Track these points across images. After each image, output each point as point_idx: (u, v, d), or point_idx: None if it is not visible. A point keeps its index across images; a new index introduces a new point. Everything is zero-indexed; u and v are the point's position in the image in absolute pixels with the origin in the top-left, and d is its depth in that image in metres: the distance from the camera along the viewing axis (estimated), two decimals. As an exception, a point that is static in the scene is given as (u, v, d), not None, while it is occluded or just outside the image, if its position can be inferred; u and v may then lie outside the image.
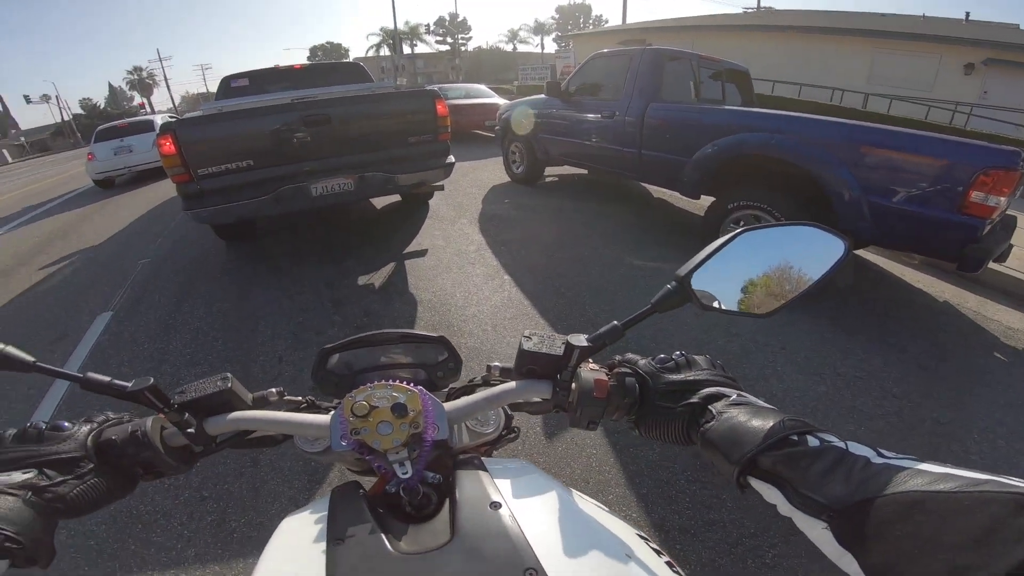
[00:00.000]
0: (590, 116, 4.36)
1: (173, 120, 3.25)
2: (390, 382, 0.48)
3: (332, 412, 0.48)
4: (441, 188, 4.02)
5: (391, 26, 29.05)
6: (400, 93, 3.79)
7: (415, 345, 0.61)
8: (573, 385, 0.49)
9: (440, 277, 3.42)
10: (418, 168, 3.62)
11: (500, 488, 0.43)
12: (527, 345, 0.51)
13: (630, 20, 29.73)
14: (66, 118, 50.87)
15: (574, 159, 4.93)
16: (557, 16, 55.51)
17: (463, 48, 52.70)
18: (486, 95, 10.57)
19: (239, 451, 0.55)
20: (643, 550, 0.42)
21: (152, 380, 0.45)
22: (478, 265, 3.60)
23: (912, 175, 2.45)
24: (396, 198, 5.19)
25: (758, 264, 0.51)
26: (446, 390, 0.59)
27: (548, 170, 5.88)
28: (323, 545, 0.39)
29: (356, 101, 3.54)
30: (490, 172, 6.63)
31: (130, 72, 57.74)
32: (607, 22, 51.02)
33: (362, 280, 3.47)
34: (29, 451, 0.42)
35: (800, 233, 0.52)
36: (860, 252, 3.72)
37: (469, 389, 0.58)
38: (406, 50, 45.72)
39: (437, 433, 0.46)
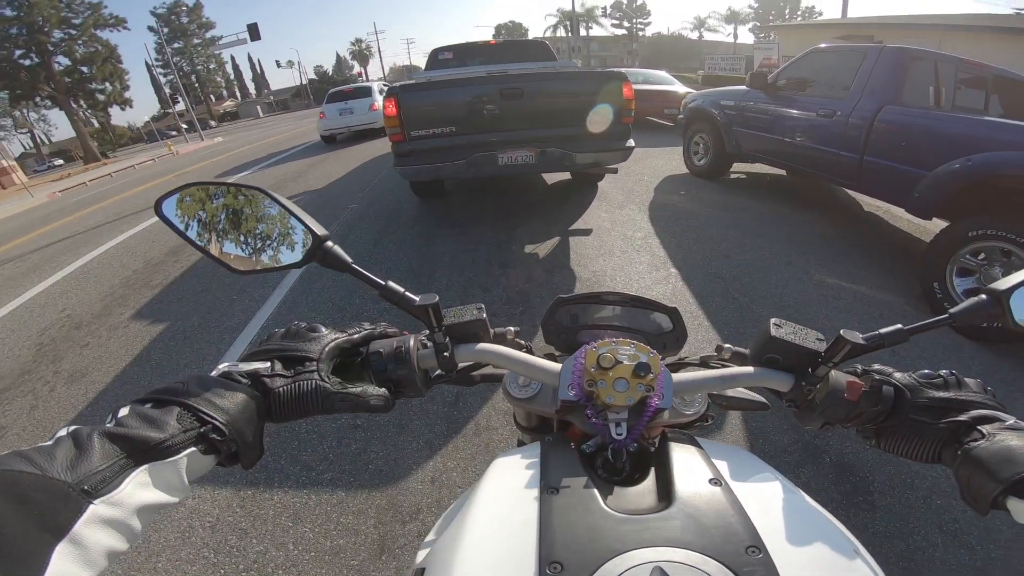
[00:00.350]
0: (801, 113, 3.85)
1: (397, 85, 3.72)
2: (632, 340, 0.48)
3: (566, 359, 0.49)
4: (615, 171, 3.98)
5: (568, 7, 29.11)
6: (591, 73, 3.81)
7: (643, 311, 0.60)
8: (821, 383, 0.46)
9: (602, 259, 3.43)
10: (596, 148, 3.63)
11: (718, 466, 0.42)
12: (777, 332, 0.48)
13: (851, 14, 25.65)
14: (303, 82, 62.07)
15: (773, 157, 4.41)
16: (756, 4, 50.06)
17: (641, 33, 50.67)
18: (667, 82, 10.03)
19: (462, 386, 0.56)
20: (867, 554, 0.39)
21: (437, 298, 0.48)
22: (643, 253, 3.51)
23: None
24: (567, 176, 5.33)
25: None
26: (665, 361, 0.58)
27: (736, 167, 5.37)
28: (535, 492, 0.40)
29: (548, 78, 3.68)
30: (665, 161, 6.33)
31: (352, 44, 67.83)
32: (820, 15, 44.51)
33: (528, 249, 3.65)
34: (279, 345, 0.45)
35: None
36: None
37: (686, 365, 0.57)
38: (581, 32, 45.60)
39: (662, 401, 0.45)
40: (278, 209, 0.50)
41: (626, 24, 51.09)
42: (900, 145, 3.03)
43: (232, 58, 63.48)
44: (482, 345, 0.52)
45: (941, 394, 0.43)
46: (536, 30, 60.01)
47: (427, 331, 0.51)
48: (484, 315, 0.52)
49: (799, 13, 48.12)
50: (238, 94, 65.75)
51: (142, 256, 4.76)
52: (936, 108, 3.28)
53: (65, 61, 27.88)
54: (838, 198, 4.80)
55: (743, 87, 4.58)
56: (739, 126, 4.61)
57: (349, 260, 0.49)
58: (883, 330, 0.45)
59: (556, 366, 0.49)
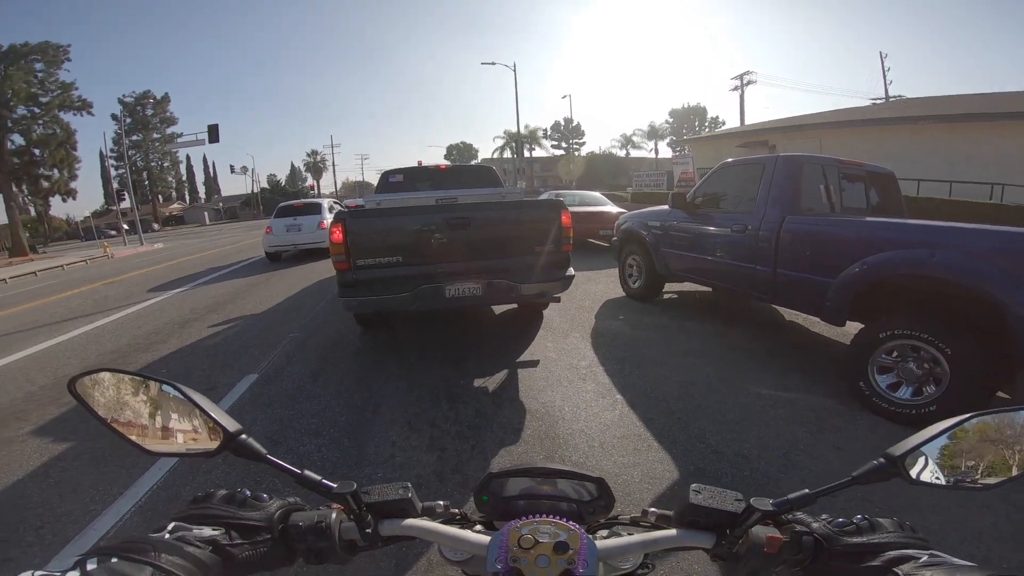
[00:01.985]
0: (718, 229, 4.20)
1: (345, 211, 3.72)
2: (553, 518, 0.52)
3: (493, 534, 0.51)
4: (558, 300, 4.09)
5: (514, 129, 32.51)
6: (531, 202, 4.05)
7: (571, 481, 0.63)
8: (741, 539, 0.50)
9: (550, 389, 3.37)
10: (540, 278, 3.75)
11: None
12: (697, 499, 0.52)
13: (748, 121, 29.95)
14: (255, 191, 61.90)
15: (698, 276, 4.70)
16: (671, 120, 57.40)
17: (576, 152, 56.44)
18: (601, 203, 10.83)
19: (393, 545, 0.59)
20: None
21: (355, 485, 0.52)
22: (589, 381, 3.49)
23: None
24: (513, 305, 5.39)
25: (988, 447, 0.50)
26: (589, 524, 0.60)
27: (669, 287, 5.71)
28: None
29: (492, 207, 3.87)
30: (604, 285, 6.61)
31: (308, 155, 69.80)
32: (723, 124, 51.59)
33: (477, 383, 3.55)
34: (228, 511, 0.49)
35: None
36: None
37: (613, 525, 0.60)
38: (525, 154, 50.38)
39: (586, 570, 0.47)
40: (191, 403, 0.53)
41: (563, 144, 57.07)
42: (805, 254, 3.31)
43: (188, 158, 63.14)
44: (408, 521, 0.55)
45: (856, 540, 0.47)
46: (486, 151, 65.65)
47: None
48: (410, 494, 0.55)
49: (707, 124, 55.53)
50: (187, 197, 64.44)
51: (52, 372, 4.37)
52: (830, 213, 3.66)
53: (19, 140, 25.90)
54: (760, 311, 5.23)
55: (667, 207, 5.00)
56: (666, 246, 4.95)
57: (263, 452, 0.53)
58: (791, 495, 0.49)
59: (484, 539, 0.52)
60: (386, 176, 6.02)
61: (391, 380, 3.66)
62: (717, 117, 57.20)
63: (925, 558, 0.43)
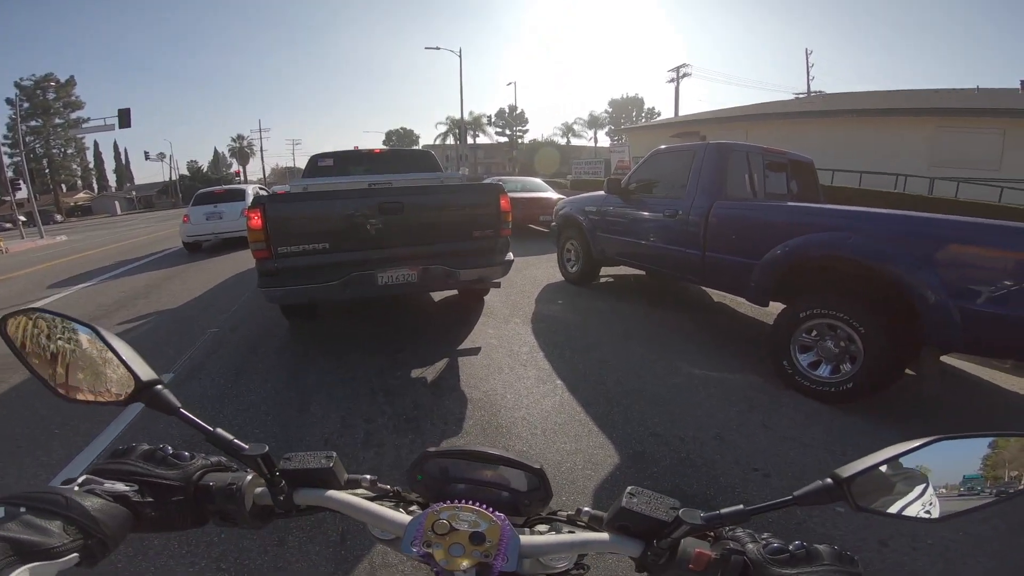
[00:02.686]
0: (651, 215, 4.33)
1: (265, 195, 3.49)
2: (477, 505, 0.50)
3: (413, 516, 0.50)
4: (498, 285, 4.04)
5: (457, 115, 31.90)
6: (468, 186, 3.94)
7: (511, 469, 0.60)
8: (668, 551, 0.48)
9: (492, 377, 3.33)
10: (479, 264, 3.68)
11: None
12: (630, 504, 0.50)
13: (682, 112, 31.21)
14: (173, 178, 56.14)
15: (633, 260, 4.83)
16: (610, 110, 58.58)
17: (520, 140, 56.40)
18: (542, 189, 10.98)
19: (313, 516, 0.57)
20: None
21: (267, 448, 0.51)
22: (530, 367, 3.48)
23: (1010, 273, 2.20)
24: (453, 292, 5.26)
25: (945, 473, 0.46)
26: (527, 517, 0.59)
27: (605, 270, 5.82)
28: None
29: (427, 191, 3.72)
30: (544, 270, 6.64)
31: (234, 140, 63.86)
32: (659, 115, 53.39)
33: (415, 373, 3.44)
34: (144, 468, 0.49)
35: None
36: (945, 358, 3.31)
37: (551, 521, 0.58)
38: (469, 140, 49.62)
39: (506, 564, 0.46)
40: (109, 348, 0.53)
41: (507, 132, 56.77)
42: (732, 238, 3.46)
43: (96, 144, 56.87)
44: (327, 492, 0.53)
45: (786, 571, 0.43)
46: (427, 137, 63.84)
47: None
48: (331, 464, 0.54)
49: (644, 114, 57.21)
50: (95, 185, 58.10)
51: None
52: (753, 198, 3.84)
53: None
54: (690, 293, 5.48)
55: (602, 192, 5.08)
56: (602, 231, 5.04)
57: (177, 405, 0.53)
58: (724, 510, 0.46)
59: (403, 520, 0.50)
60: (314, 160, 5.64)
61: (322, 375, 3.46)
62: (653, 108, 59.01)
63: None
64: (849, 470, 0.44)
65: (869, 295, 2.72)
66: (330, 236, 3.45)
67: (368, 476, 0.57)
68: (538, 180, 12.04)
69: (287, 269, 3.41)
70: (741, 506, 0.46)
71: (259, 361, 3.80)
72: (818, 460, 2.32)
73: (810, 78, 33.86)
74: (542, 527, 0.56)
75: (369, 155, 5.75)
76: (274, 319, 4.70)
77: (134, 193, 58.96)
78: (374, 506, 0.53)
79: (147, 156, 55.94)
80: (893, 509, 0.45)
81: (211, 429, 0.51)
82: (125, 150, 64.08)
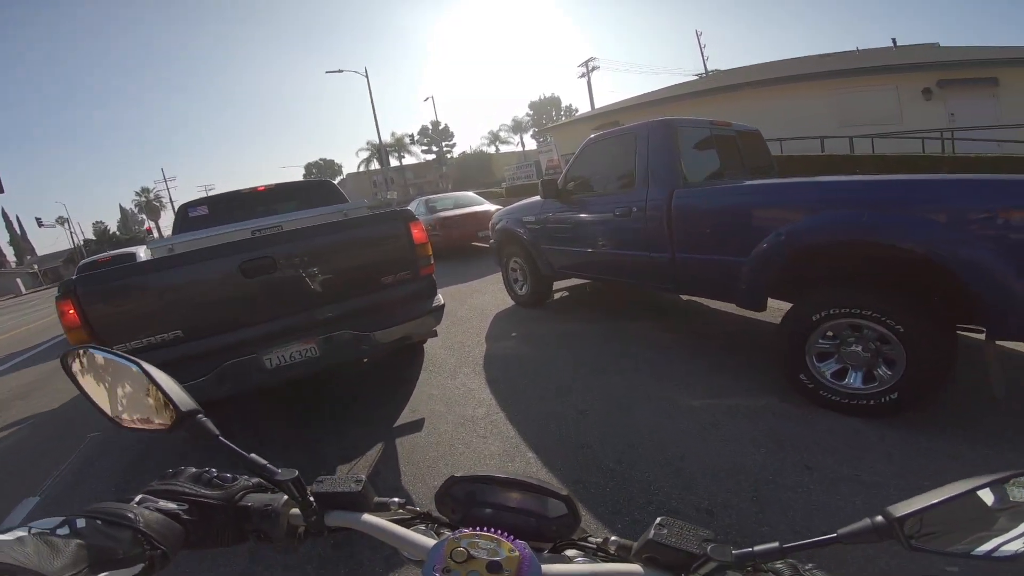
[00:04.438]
0: (598, 216, 3.64)
1: (74, 276, 2.58)
2: (499, 534, 0.49)
3: (436, 541, 0.49)
4: (434, 334, 3.20)
5: (379, 140, 30.57)
6: (360, 219, 2.98)
7: (537, 495, 0.56)
8: None
9: (442, 460, 2.51)
10: (399, 318, 2.84)
11: None
12: (659, 536, 0.47)
13: (597, 105, 31.63)
14: (78, 243, 50.34)
15: (588, 272, 4.11)
16: (531, 112, 59.18)
17: (448, 155, 55.59)
18: (476, 202, 10.19)
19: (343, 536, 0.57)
20: None
21: (296, 473, 0.54)
22: (491, 439, 2.67)
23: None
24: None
25: (989, 508, 0.41)
26: (554, 543, 0.56)
27: (557, 283, 5.06)
28: None
29: (306, 235, 2.78)
30: (491, 295, 5.82)
31: (138, 194, 58.37)
32: (577, 111, 54.15)
33: (342, 471, 2.55)
34: (192, 489, 0.54)
35: None
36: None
37: (577, 546, 0.56)
38: (395, 162, 48.10)
39: None
40: (152, 381, 0.57)
41: (434, 148, 55.76)
42: (706, 233, 2.81)
43: None
44: (356, 515, 0.55)
45: None
46: (350, 166, 61.55)
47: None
48: (361, 487, 0.55)
49: (563, 112, 57.97)
50: None
51: None
52: (717, 181, 3.24)
53: None
54: (660, 297, 4.80)
55: (538, 198, 4.37)
56: (546, 243, 4.31)
57: (216, 432, 0.56)
58: (757, 548, 0.44)
59: (428, 543, 0.50)
60: (184, 211, 4.53)
61: None
62: (571, 105, 59.91)
63: None
64: (902, 509, 0.41)
65: (904, 284, 2.15)
66: (185, 317, 2.56)
67: (397, 499, 0.59)
68: (471, 194, 11.25)
69: None
70: (776, 544, 0.44)
71: (147, 473, 2.90)
72: (894, 501, 1.69)
73: (705, 58, 35.42)
74: (570, 552, 0.55)
75: (253, 195, 4.66)
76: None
77: (36, 267, 52.33)
78: (399, 529, 0.53)
79: (40, 223, 50.04)
80: (953, 549, 0.42)
81: (246, 455, 0.55)
82: (17, 218, 57.09)
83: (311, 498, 0.54)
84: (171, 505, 0.50)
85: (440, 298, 3.03)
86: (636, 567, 0.48)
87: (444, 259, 8.93)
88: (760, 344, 3.36)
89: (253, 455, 0.55)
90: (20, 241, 57.79)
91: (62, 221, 50.75)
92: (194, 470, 0.56)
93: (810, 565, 0.45)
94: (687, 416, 2.55)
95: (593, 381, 3.14)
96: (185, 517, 0.50)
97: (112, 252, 9.95)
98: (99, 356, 0.60)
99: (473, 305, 5.49)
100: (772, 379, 2.74)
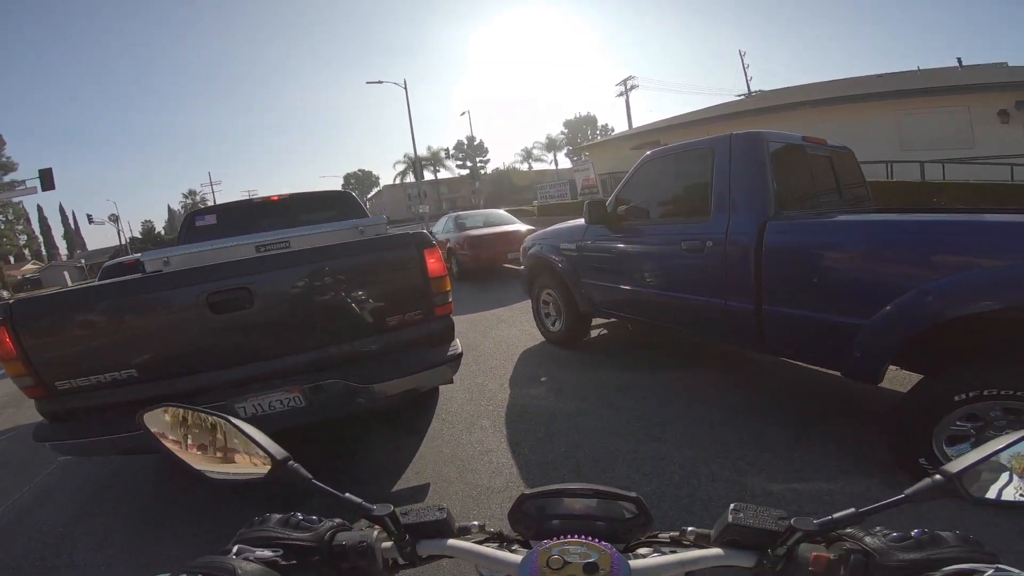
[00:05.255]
0: (660, 248, 2.96)
1: (10, 300, 2.14)
2: (584, 538, 0.50)
3: (526, 554, 0.50)
4: (450, 382, 2.61)
5: (414, 152, 30.70)
6: (362, 244, 2.44)
7: (606, 500, 0.59)
8: (784, 558, 0.47)
9: (446, 568, 1.89)
10: (406, 368, 2.26)
11: None
12: (737, 518, 0.50)
13: (635, 124, 30.96)
14: (123, 242, 52.22)
15: (635, 313, 3.40)
16: (566, 130, 58.92)
17: (482, 171, 55.68)
18: (508, 221, 9.59)
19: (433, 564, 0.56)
20: None
21: (392, 508, 0.54)
22: (507, 521, 2.03)
23: None
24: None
25: None
26: (627, 544, 0.57)
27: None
28: None
29: (292, 262, 2.25)
30: (518, 327, 5.14)
31: (185, 196, 60.33)
32: (613, 130, 53.51)
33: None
34: (284, 534, 0.53)
35: None
36: None
37: (652, 544, 0.57)
38: (430, 175, 48.44)
39: None
40: (241, 432, 0.57)
41: (468, 164, 56.08)
42: (810, 282, 2.12)
43: (40, 209, 52.96)
44: (448, 541, 0.55)
45: (912, 556, 0.43)
46: (387, 178, 62.62)
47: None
48: (445, 515, 0.56)
49: (598, 131, 57.42)
50: (44, 254, 53.31)
51: None
52: (826, 213, 2.56)
53: None
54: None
55: (581, 222, 3.74)
56: (587, 276, 3.63)
57: (309, 476, 0.56)
58: (837, 515, 0.46)
59: (516, 559, 0.51)
60: (191, 219, 4.11)
61: (182, 544, 2.20)
62: (607, 124, 59.31)
63: (991, 572, 0.39)
64: (958, 465, 0.44)
65: None
66: (141, 354, 2.10)
67: (476, 523, 0.59)
68: (502, 212, 10.75)
69: (81, 410, 2.10)
70: (853, 509, 0.46)
71: (99, 515, 2.49)
72: None
73: (748, 78, 34.27)
74: (643, 550, 0.56)
75: (265, 205, 4.22)
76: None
77: (83, 261, 54.80)
78: (488, 550, 0.54)
79: (91, 220, 52.37)
80: (1010, 498, 0.45)
81: (341, 495, 0.54)
82: (73, 213, 60.11)
83: (404, 530, 0.54)
84: (266, 553, 0.50)
85: (458, 345, 2.44)
86: (718, 551, 0.49)
87: (470, 280, 8.42)
88: (852, 408, 2.65)
89: (348, 494, 0.55)
90: (73, 236, 60.79)
91: (114, 219, 53.17)
92: (280, 515, 0.56)
93: (878, 528, 0.47)
94: (761, 501, 1.87)
95: (642, 450, 2.48)
96: (283, 563, 0.50)
97: (136, 255, 9.87)
98: (181, 412, 0.61)
99: (498, 338, 4.85)
100: (872, 457, 2.15)
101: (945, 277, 1.68)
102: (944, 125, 13.21)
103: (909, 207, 2.64)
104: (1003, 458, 0.44)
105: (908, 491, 0.44)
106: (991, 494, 0.45)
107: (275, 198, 4.31)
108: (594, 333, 4.50)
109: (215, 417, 0.59)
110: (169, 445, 0.60)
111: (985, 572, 0.39)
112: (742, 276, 2.36)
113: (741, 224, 2.40)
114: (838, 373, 2.14)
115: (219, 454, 0.59)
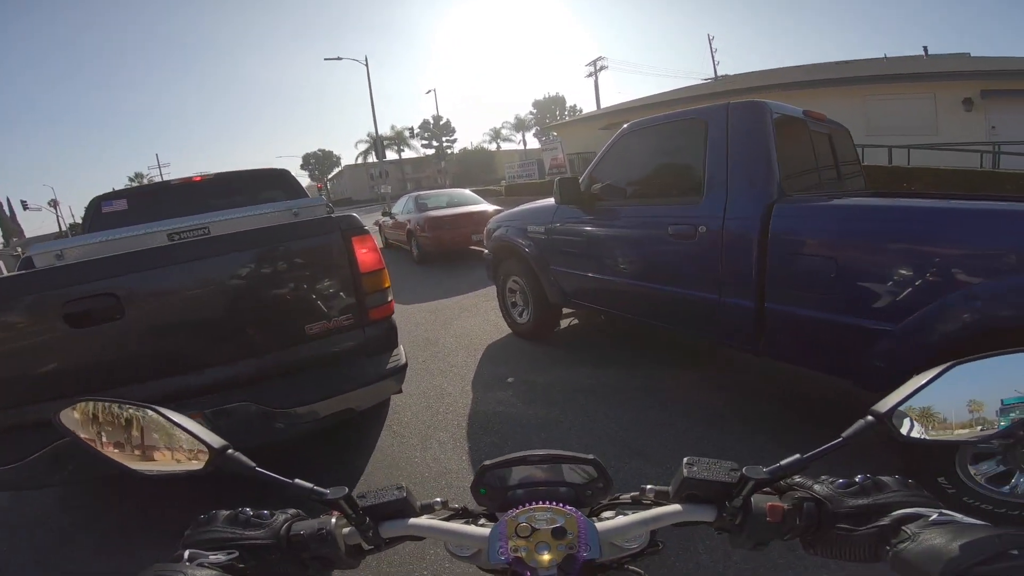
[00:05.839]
0: (640, 233, 2.60)
1: None
2: (549, 503, 0.50)
3: (492, 526, 0.50)
4: (398, 392, 2.18)
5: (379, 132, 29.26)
6: (274, 230, 1.92)
7: (566, 464, 0.58)
8: (741, 510, 0.48)
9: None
10: (336, 385, 1.82)
11: None
12: (691, 472, 0.50)
13: (603, 105, 30.57)
14: (63, 229, 49.37)
15: (613, 306, 3.03)
16: (535, 111, 58.10)
17: (448, 151, 54.29)
18: (472, 201, 9.12)
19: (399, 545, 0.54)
20: None
21: (347, 490, 0.50)
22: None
23: None
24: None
25: (963, 393, 0.45)
26: (591, 507, 0.57)
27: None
28: None
29: (175, 258, 1.76)
30: (483, 317, 4.71)
31: (131, 179, 54.95)
32: (581, 111, 53.01)
33: None
34: (235, 533, 0.49)
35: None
36: None
37: (615, 507, 0.57)
38: (393, 155, 46.74)
39: (589, 552, 0.46)
40: (172, 423, 0.52)
41: (435, 143, 54.45)
42: (825, 278, 1.78)
43: None
44: (411, 520, 0.54)
45: (860, 501, 0.45)
46: (349, 157, 60.14)
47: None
48: (405, 494, 0.54)
49: (566, 112, 56.77)
50: None
51: None
52: (835, 195, 2.23)
53: None
54: None
55: (551, 202, 3.32)
56: (557, 263, 3.23)
57: (252, 465, 0.52)
58: (784, 461, 0.47)
59: (484, 532, 0.50)
60: (97, 204, 3.47)
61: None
62: (575, 105, 58.65)
63: (935, 516, 0.41)
64: (885, 405, 0.46)
65: None
66: (16, 373, 1.67)
67: (439, 499, 0.58)
68: (467, 191, 10.22)
69: None
70: (798, 455, 0.47)
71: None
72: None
73: (716, 62, 34.35)
74: (608, 513, 0.55)
75: (186, 187, 3.60)
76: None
77: (19, 250, 50.63)
78: (454, 525, 0.53)
79: (25, 206, 48.08)
80: (932, 435, 0.46)
81: (291, 481, 0.51)
82: (8, 200, 55.33)
83: (363, 513, 0.52)
84: (221, 556, 0.46)
85: (402, 353, 2.01)
86: (677, 507, 0.50)
87: (432, 264, 8.00)
88: (852, 411, 2.36)
89: (298, 480, 0.51)
90: (9, 223, 56.07)
91: (52, 204, 49.09)
92: (227, 512, 0.51)
93: (823, 476, 0.50)
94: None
95: (623, 469, 2.15)
96: (241, 566, 0.46)
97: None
98: (101, 406, 0.55)
99: (460, 331, 4.42)
100: (875, 469, 1.79)
101: (1004, 278, 1.36)
102: (910, 111, 13.49)
103: (919, 192, 2.37)
104: (924, 396, 0.45)
105: (845, 434, 0.46)
106: (916, 432, 0.46)
107: (197, 178, 3.70)
108: (564, 323, 4.13)
109: (142, 409, 0.53)
110: (92, 444, 0.53)
111: (930, 516, 0.41)
112: (741, 268, 2.01)
113: (741, 207, 2.03)
114: (855, 383, 1.83)
115: (149, 448, 0.54)
